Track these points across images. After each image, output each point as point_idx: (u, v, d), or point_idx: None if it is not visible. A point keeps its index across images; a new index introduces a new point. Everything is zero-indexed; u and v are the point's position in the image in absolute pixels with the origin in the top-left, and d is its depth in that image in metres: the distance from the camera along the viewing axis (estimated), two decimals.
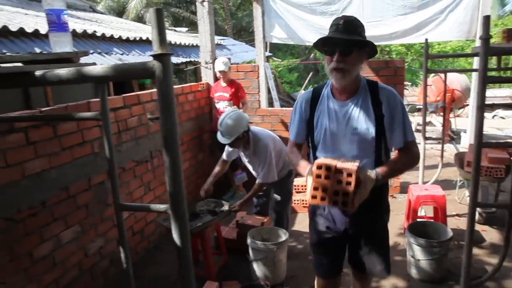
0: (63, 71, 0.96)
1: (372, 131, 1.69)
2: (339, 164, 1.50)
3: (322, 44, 1.68)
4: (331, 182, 1.48)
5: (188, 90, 4.38)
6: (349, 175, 1.47)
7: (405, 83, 6.21)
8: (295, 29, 6.14)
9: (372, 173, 1.58)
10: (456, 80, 7.72)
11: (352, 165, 1.50)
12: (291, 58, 18.53)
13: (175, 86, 4.11)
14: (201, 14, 4.68)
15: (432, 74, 7.91)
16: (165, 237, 3.72)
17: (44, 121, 2.39)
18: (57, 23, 1.21)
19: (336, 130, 1.74)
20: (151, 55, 0.84)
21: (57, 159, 2.51)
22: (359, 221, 1.83)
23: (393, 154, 1.83)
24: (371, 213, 1.82)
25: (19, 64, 1.14)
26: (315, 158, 1.80)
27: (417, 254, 2.84)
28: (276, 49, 17.37)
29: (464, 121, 7.63)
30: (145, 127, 3.46)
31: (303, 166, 1.77)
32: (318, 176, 1.50)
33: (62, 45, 1.23)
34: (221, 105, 4.48)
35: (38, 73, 0.98)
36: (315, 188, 1.50)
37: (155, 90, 3.66)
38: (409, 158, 1.74)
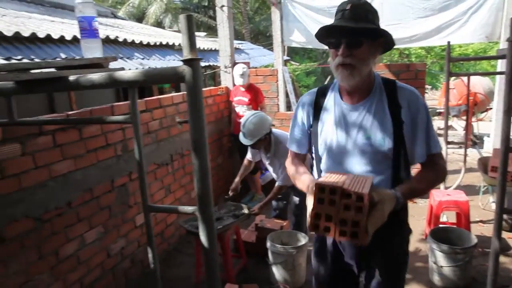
0: (95, 76, 0.99)
1: (388, 141, 1.37)
2: (347, 184, 1.16)
3: (326, 35, 1.37)
4: (336, 209, 1.14)
5: (208, 94, 4.43)
6: (360, 198, 1.12)
7: (425, 86, 6.11)
8: (314, 33, 6.13)
9: (391, 193, 1.26)
10: (478, 83, 7.55)
11: (364, 184, 1.18)
12: (309, 62, 18.48)
13: None
14: (221, 19, 4.74)
15: (453, 78, 7.76)
16: (185, 240, 3.76)
17: (70, 124, 2.47)
18: (88, 30, 1.25)
19: (344, 140, 1.43)
20: (181, 60, 0.87)
21: (82, 161, 2.58)
22: (375, 253, 1.47)
23: (415, 169, 1.53)
24: (389, 242, 1.48)
25: (53, 70, 1.18)
26: (319, 171, 1.54)
27: (439, 261, 2.78)
28: (293, 53, 17.38)
29: (487, 125, 7.45)
30: (166, 130, 3.52)
31: (304, 181, 1.48)
32: (320, 201, 1.16)
33: (92, 50, 1.28)
34: (240, 109, 4.52)
35: (72, 78, 1.02)
36: (317, 216, 1.17)
37: (175, 94, 3.73)
38: (435, 174, 1.43)
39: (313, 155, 1.56)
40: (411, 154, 1.42)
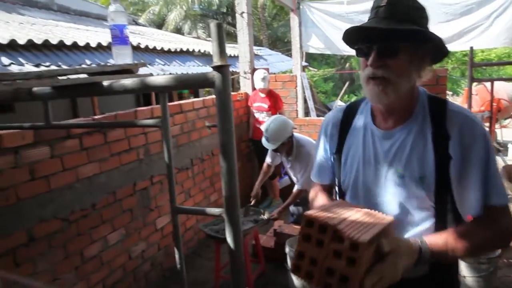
0: (128, 81, 1.03)
1: (429, 182, 1.03)
2: (344, 224, 0.86)
3: (355, 40, 1.09)
4: (324, 253, 0.84)
5: None
6: (354, 247, 0.79)
7: (446, 92, 6.01)
8: (332, 39, 6.13)
9: (412, 244, 0.93)
10: (502, 89, 7.38)
11: (372, 227, 0.85)
12: (327, 67, 18.44)
13: (214, 96, 4.22)
14: (241, 25, 4.80)
15: (476, 83, 7.60)
16: (204, 244, 3.80)
17: (96, 128, 2.55)
18: (119, 37, 1.30)
19: (372, 177, 1.13)
20: (211, 66, 0.90)
21: (106, 165, 2.65)
22: None
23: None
24: None
25: (85, 75, 1.24)
26: None
27: (463, 271, 2.73)
28: (311, 59, 17.37)
29: (511, 132, 7.25)
30: (187, 135, 3.58)
31: (318, 202, 1.27)
32: (306, 238, 0.87)
33: (123, 57, 1.32)
34: (259, 115, 4.55)
35: (106, 83, 1.07)
36: (300, 255, 0.88)
37: (196, 99, 3.80)
38: (492, 234, 1.01)
39: (337, 188, 1.27)
40: (460, 202, 1.04)
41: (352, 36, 1.08)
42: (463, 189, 1.03)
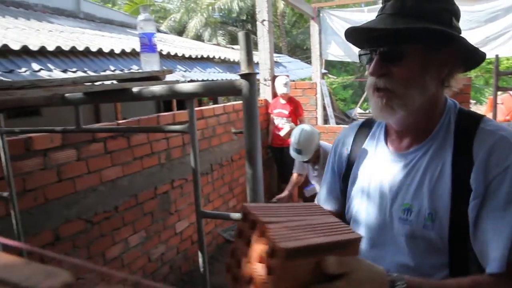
0: (157, 88, 1.07)
1: (441, 220, 0.79)
2: (279, 225, 0.61)
3: (360, 44, 0.93)
4: (249, 254, 0.64)
5: None
6: (273, 253, 0.57)
7: (470, 101, 5.89)
8: (352, 46, 6.10)
9: (381, 273, 0.63)
10: None
11: (306, 238, 0.59)
12: (346, 75, 18.34)
13: (234, 103, 4.28)
14: (261, 33, 4.85)
15: (500, 92, 7.43)
16: (222, 248, 3.82)
17: (120, 132, 2.62)
18: (148, 45, 1.35)
19: (376, 208, 0.91)
20: (239, 74, 0.92)
21: (129, 168, 2.71)
22: None
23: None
24: None
25: (113, 82, 1.28)
26: None
27: None
28: (330, 66, 17.32)
29: None
30: (207, 141, 3.62)
31: None
32: (240, 233, 0.67)
33: (151, 64, 1.37)
34: (279, 122, 4.56)
35: (135, 89, 1.11)
36: (232, 254, 0.68)
37: (216, 105, 3.85)
38: None
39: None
40: (480, 252, 0.76)
41: (356, 39, 0.93)
42: (483, 233, 0.75)
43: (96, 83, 1.23)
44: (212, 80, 5.82)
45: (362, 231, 0.93)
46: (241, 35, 0.93)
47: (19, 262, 0.18)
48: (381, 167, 0.93)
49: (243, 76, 0.93)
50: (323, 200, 1.10)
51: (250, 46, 0.93)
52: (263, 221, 0.62)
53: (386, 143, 0.95)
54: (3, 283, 0.17)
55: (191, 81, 5.23)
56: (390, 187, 0.89)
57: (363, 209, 0.94)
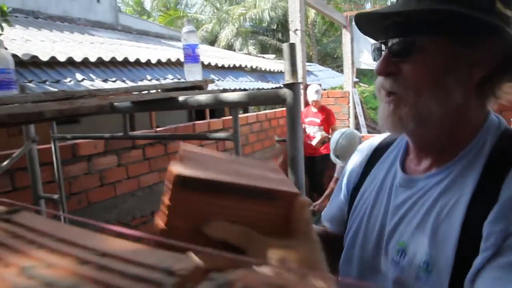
0: (202, 97, 1.11)
1: (440, 273, 0.59)
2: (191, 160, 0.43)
3: (376, 34, 0.72)
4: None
5: (280, 115, 4.55)
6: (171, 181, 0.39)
7: None
8: None
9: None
10: None
11: (223, 174, 0.41)
12: None
13: (268, 111, 4.32)
14: (294, 42, 4.88)
15: None
16: None
17: (158, 140, 2.71)
18: (191, 56, 1.40)
19: (372, 242, 0.73)
20: (283, 84, 0.95)
21: (165, 175, 2.79)
22: None
23: None
24: None
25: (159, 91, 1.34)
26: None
27: None
28: (361, 75, 17.08)
29: None
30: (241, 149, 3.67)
31: None
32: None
33: (194, 74, 1.42)
34: (311, 130, 4.55)
35: (181, 98, 1.15)
36: None
37: (249, 114, 3.90)
38: None
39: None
40: None
41: (372, 31, 0.73)
42: None
43: (143, 92, 1.29)
44: (245, 89, 5.90)
45: (355, 263, 0.76)
46: (285, 46, 0.96)
47: (146, 249, 0.21)
48: (389, 191, 0.73)
49: (287, 85, 0.96)
50: (327, 218, 0.92)
51: (295, 57, 0.96)
52: (189, 153, 0.48)
53: (403, 163, 0.74)
54: (140, 265, 0.19)
55: (224, 90, 5.32)
56: (391, 218, 0.69)
57: (360, 238, 0.75)
